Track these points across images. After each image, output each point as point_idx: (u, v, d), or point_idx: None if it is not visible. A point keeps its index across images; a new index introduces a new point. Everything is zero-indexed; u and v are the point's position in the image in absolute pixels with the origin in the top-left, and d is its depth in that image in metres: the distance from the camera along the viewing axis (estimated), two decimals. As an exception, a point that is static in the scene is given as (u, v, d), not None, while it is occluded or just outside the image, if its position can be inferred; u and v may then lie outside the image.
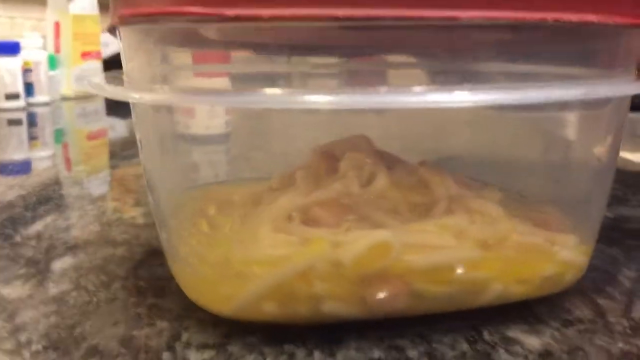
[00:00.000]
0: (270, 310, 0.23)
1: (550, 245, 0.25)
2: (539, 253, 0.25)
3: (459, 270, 0.24)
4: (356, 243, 0.23)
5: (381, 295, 0.23)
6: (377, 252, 0.23)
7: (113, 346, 0.23)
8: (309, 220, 0.24)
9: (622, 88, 0.24)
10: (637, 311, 0.26)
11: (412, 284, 0.23)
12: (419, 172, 0.28)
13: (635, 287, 0.28)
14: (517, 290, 0.25)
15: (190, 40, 0.27)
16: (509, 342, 0.23)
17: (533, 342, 0.23)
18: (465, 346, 0.23)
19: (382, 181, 0.26)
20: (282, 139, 0.37)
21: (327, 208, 0.25)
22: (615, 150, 0.27)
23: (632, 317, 0.25)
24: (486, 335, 0.24)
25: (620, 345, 0.23)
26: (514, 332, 0.24)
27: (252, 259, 0.23)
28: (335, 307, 0.23)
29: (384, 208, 0.25)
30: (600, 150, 0.28)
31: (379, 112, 0.35)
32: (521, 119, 0.32)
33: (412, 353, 0.23)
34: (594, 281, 0.28)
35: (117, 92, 0.23)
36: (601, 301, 0.27)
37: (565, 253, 0.25)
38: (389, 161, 0.28)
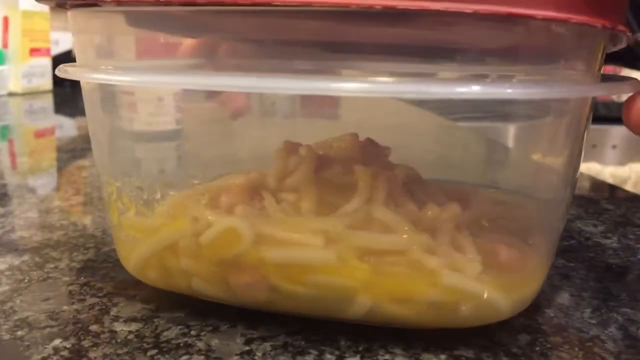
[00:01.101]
0: (152, 276, 0.25)
1: (439, 267, 0.22)
2: (421, 273, 0.22)
3: (318, 274, 0.23)
4: (213, 226, 0.23)
5: (240, 281, 0.23)
6: (229, 238, 0.23)
7: (42, 319, 0.24)
8: (212, 203, 0.26)
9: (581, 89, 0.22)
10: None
11: (268, 277, 0.23)
12: (357, 173, 0.26)
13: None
14: (396, 310, 0.22)
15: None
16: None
17: None
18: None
19: (297, 175, 0.26)
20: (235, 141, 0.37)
21: (230, 193, 0.25)
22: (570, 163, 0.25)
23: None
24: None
25: None
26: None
27: (136, 225, 0.26)
28: (202, 285, 0.24)
29: (286, 200, 0.25)
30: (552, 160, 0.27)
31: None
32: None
33: (331, 325, 0.24)
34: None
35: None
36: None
37: (452, 279, 0.22)
38: (364, 160, 0.27)
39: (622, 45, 0.25)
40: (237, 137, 0.35)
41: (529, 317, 0.25)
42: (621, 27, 0.21)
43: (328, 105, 0.40)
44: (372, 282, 0.22)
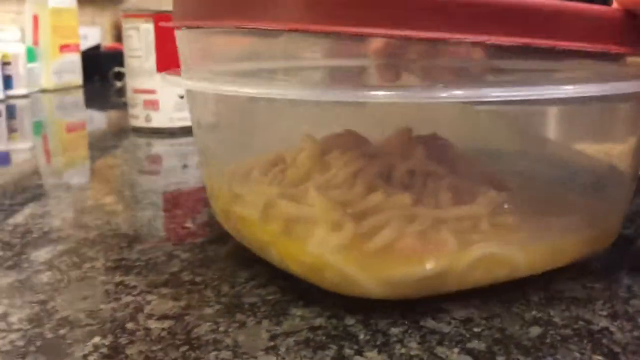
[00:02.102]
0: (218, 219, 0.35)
1: (310, 234, 0.26)
2: (303, 238, 0.27)
3: (252, 227, 0.30)
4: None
5: (230, 225, 0.33)
6: (221, 194, 0.33)
7: (82, 317, 0.26)
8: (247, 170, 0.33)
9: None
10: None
11: (238, 227, 0.31)
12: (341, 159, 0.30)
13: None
14: (292, 266, 0.27)
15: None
16: (438, 311, 0.26)
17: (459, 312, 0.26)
18: (397, 314, 0.26)
19: (301, 156, 0.31)
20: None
21: (258, 164, 0.33)
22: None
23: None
24: (418, 307, 0.27)
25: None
26: (445, 304, 0.27)
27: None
28: (225, 226, 0.33)
29: (283, 172, 0.31)
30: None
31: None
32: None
33: (350, 321, 0.25)
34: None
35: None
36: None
37: (315, 248, 0.26)
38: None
39: None
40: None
41: (540, 310, 0.26)
42: None
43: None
44: (278, 240, 0.28)
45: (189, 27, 0.30)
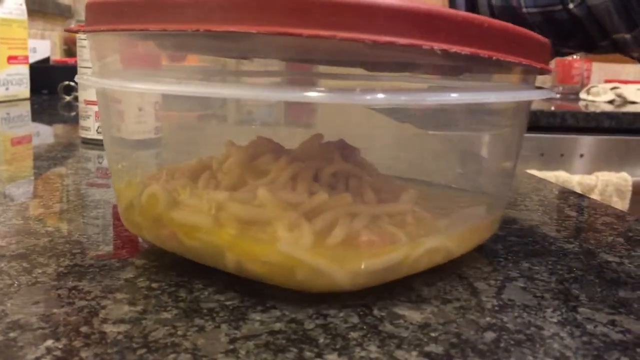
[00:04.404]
0: (127, 224, 0.34)
1: (283, 237, 0.27)
2: (271, 241, 0.28)
3: (201, 232, 0.29)
4: (145, 191, 0.32)
5: (162, 234, 0.31)
6: (153, 201, 0.32)
7: (33, 321, 0.25)
8: (168, 178, 0.34)
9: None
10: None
11: (176, 233, 0.30)
12: (278, 163, 0.31)
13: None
14: (254, 268, 0.28)
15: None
16: (395, 317, 0.27)
17: (415, 316, 0.27)
18: (355, 319, 0.26)
19: (230, 161, 0.33)
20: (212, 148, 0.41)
21: (181, 171, 0.34)
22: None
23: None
24: (375, 312, 0.27)
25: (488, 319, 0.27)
26: (402, 310, 0.27)
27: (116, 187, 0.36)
28: (147, 235, 0.33)
29: (215, 178, 0.32)
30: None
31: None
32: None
33: (309, 326, 0.25)
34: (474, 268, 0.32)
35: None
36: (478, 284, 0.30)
37: (287, 247, 0.27)
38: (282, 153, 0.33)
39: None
40: (215, 143, 0.38)
41: (493, 317, 0.27)
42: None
43: (305, 114, 0.42)
44: (235, 243, 0.28)
45: (93, 32, 0.30)
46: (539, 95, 0.32)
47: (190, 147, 0.43)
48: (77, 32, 0.31)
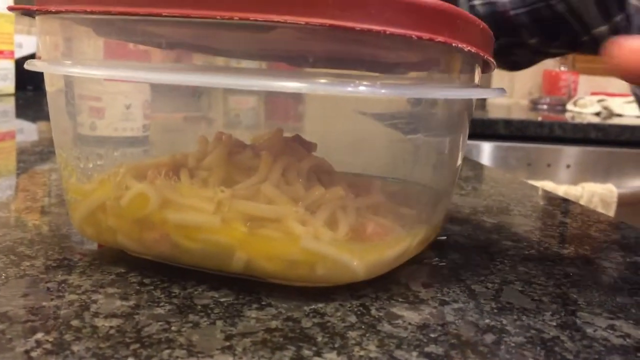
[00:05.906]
0: (89, 232, 0.31)
1: (301, 232, 0.27)
2: (287, 237, 0.27)
3: (205, 233, 0.28)
4: (129, 191, 0.29)
5: (150, 237, 0.29)
6: (141, 201, 0.29)
7: (22, 314, 0.24)
8: (140, 175, 0.30)
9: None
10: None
11: (170, 235, 0.28)
12: (262, 157, 0.30)
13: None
14: (267, 266, 0.27)
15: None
16: (394, 317, 0.26)
17: (413, 316, 0.26)
18: (353, 319, 0.26)
19: (211, 157, 0.31)
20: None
21: (155, 168, 0.30)
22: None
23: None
24: (373, 312, 0.26)
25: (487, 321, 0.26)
26: (400, 311, 0.27)
27: (75, 189, 0.32)
28: (123, 240, 0.30)
29: (199, 176, 0.30)
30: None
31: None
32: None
33: (307, 324, 0.25)
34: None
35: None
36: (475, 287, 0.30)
37: (308, 242, 0.27)
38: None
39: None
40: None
41: (493, 319, 0.26)
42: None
43: (292, 118, 0.42)
44: (247, 241, 0.27)
45: (41, 13, 0.29)
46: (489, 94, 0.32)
47: (175, 147, 0.42)
48: (16, 10, 0.30)
